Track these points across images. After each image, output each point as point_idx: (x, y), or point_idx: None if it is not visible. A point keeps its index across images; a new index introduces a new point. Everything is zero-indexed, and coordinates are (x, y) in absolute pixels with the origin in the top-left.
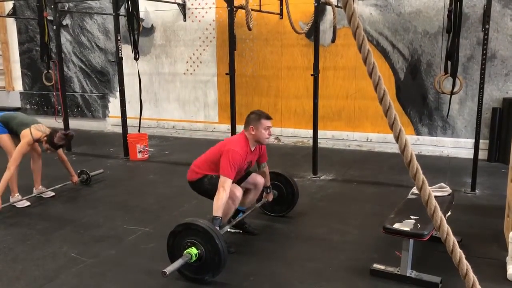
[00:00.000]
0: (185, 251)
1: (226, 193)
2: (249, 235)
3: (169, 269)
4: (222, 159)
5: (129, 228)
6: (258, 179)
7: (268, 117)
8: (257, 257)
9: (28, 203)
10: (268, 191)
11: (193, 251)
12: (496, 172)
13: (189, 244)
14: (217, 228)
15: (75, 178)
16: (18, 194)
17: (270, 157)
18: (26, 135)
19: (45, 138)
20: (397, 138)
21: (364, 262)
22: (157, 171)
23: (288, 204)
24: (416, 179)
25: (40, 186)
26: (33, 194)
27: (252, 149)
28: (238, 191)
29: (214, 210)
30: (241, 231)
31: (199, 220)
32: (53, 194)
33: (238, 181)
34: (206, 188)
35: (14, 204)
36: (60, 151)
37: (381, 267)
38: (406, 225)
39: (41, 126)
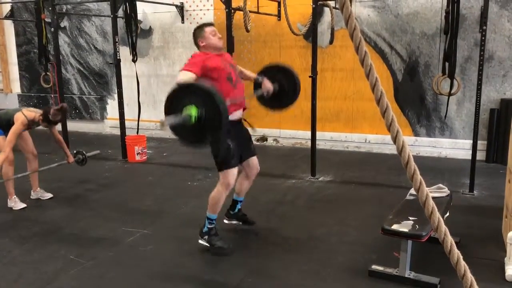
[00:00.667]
0: (184, 112)
1: (181, 78)
2: (248, 224)
3: (168, 120)
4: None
5: (128, 230)
6: (255, 168)
7: (210, 24)
8: (255, 258)
9: (24, 205)
10: (260, 79)
11: (193, 110)
12: (494, 173)
13: (188, 104)
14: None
15: (71, 159)
16: (15, 196)
17: (268, 159)
18: (19, 117)
19: (41, 117)
20: (395, 140)
21: (363, 263)
22: (156, 173)
23: (287, 100)
24: (413, 180)
25: (38, 189)
26: (32, 197)
27: (217, 53)
28: (233, 182)
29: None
30: (241, 223)
31: (199, 81)
32: (51, 195)
33: (247, 156)
34: (221, 153)
35: (11, 206)
36: (55, 131)
37: (380, 268)
38: (404, 226)
39: (32, 108)
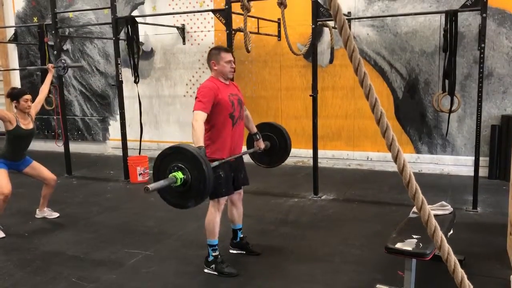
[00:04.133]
0: (170, 174)
1: (198, 123)
2: (252, 254)
3: (153, 186)
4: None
5: (130, 251)
6: (237, 196)
7: (228, 50)
8: (257, 279)
9: (3, 235)
10: (258, 137)
11: (179, 175)
12: (497, 190)
13: (175, 168)
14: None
15: (51, 66)
16: None
17: (270, 177)
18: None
19: (16, 107)
20: (396, 159)
21: (367, 283)
22: (158, 194)
23: (280, 157)
24: (415, 199)
25: (45, 208)
26: (37, 216)
27: (226, 83)
28: (223, 206)
29: (195, 142)
30: (244, 252)
31: (189, 145)
32: (57, 215)
33: (236, 188)
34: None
35: None
36: (39, 97)
37: (385, 287)
38: (408, 245)
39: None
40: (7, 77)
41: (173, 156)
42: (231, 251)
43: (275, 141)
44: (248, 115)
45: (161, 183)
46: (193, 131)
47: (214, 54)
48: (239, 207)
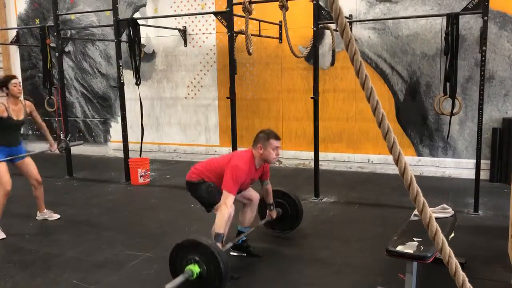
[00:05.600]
0: (187, 267)
1: (229, 210)
2: (254, 257)
3: (170, 285)
4: (226, 173)
5: (131, 253)
6: (253, 194)
7: (277, 137)
8: (258, 282)
9: (4, 236)
10: (272, 208)
11: (196, 269)
12: (498, 193)
13: (192, 260)
14: (220, 244)
15: (54, 147)
16: None
17: (271, 180)
18: None
19: (6, 94)
20: (397, 161)
21: (368, 286)
22: (159, 196)
23: (291, 224)
24: (416, 202)
25: (45, 210)
26: (38, 218)
27: (257, 167)
28: (232, 209)
29: (218, 226)
30: (245, 254)
31: (207, 240)
32: (58, 216)
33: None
34: (202, 195)
35: None
36: (38, 119)
37: None
38: (409, 247)
39: None
40: None
41: (190, 248)
42: (232, 253)
43: (287, 208)
44: (268, 189)
45: (178, 279)
46: (219, 215)
47: (263, 138)
48: (254, 211)
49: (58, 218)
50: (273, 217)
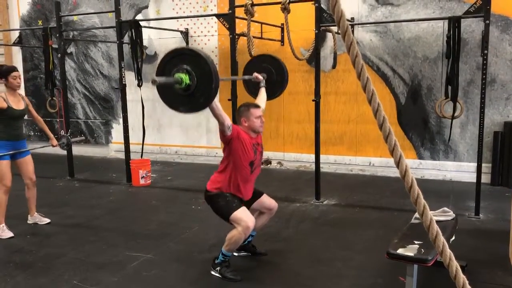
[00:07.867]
0: (177, 74)
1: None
2: (259, 256)
3: (160, 79)
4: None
5: (132, 254)
6: (273, 204)
7: (257, 106)
8: (259, 284)
9: (11, 234)
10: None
11: (186, 79)
12: (499, 196)
13: (184, 71)
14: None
15: (54, 142)
16: (3, 225)
17: (272, 182)
18: None
19: (5, 85)
20: (398, 164)
21: None
22: (160, 197)
23: (273, 90)
24: (417, 204)
25: (36, 214)
26: (29, 222)
27: (253, 136)
28: (251, 223)
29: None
30: (250, 254)
31: (208, 57)
32: (48, 220)
33: (253, 202)
34: (221, 207)
35: None
36: (35, 113)
37: None
38: (410, 250)
39: None
40: None
41: (187, 57)
42: (235, 253)
43: (273, 73)
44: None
45: (168, 79)
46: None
47: (243, 111)
48: (266, 219)
49: (49, 223)
50: (258, 78)
